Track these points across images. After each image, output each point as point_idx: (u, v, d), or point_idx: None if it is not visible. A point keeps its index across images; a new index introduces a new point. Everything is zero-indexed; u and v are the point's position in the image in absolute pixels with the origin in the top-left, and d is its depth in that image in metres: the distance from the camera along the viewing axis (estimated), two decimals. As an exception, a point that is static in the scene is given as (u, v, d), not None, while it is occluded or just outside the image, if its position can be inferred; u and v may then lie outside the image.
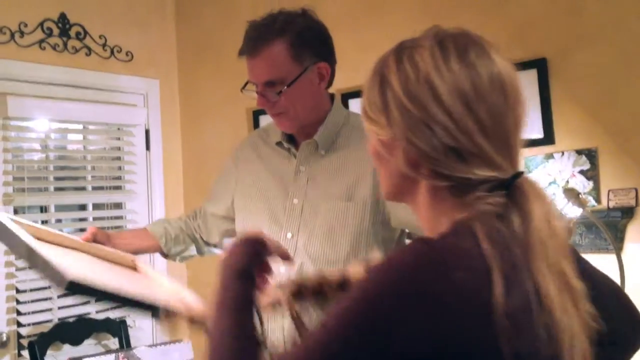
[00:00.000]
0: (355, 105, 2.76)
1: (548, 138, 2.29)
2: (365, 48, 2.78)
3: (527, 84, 2.28)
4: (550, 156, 2.28)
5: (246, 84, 1.57)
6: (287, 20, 1.50)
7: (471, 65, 0.80)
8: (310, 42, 1.53)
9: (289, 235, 1.56)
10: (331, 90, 3.02)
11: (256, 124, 3.13)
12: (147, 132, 3.34)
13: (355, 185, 1.53)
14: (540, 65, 2.28)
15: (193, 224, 1.83)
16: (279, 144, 1.64)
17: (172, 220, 1.85)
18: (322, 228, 1.53)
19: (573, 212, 1.74)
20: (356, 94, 2.78)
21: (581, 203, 1.75)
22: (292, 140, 1.64)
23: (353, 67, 2.80)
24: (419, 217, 0.89)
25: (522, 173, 0.81)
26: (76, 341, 2.87)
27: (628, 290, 1.93)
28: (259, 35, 1.49)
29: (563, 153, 2.26)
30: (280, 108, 1.53)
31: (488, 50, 0.83)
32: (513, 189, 0.80)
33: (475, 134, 0.78)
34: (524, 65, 2.32)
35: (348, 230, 1.51)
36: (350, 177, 1.54)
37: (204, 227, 1.82)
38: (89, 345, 2.94)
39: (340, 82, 2.81)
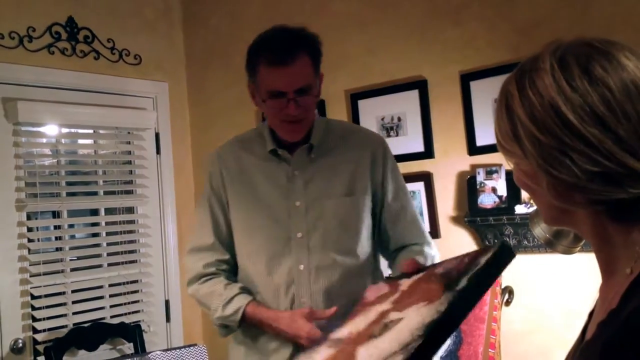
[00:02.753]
0: (363, 106, 2.83)
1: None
2: (373, 49, 2.85)
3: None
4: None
5: (270, 95, 1.69)
6: (305, 35, 1.72)
7: (598, 80, 0.76)
8: (319, 55, 1.76)
9: (299, 235, 1.75)
10: (340, 90, 3.14)
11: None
12: (157, 136, 3.43)
13: (353, 181, 1.77)
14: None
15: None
16: (272, 151, 1.79)
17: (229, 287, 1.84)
18: (333, 222, 1.75)
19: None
20: (365, 94, 2.85)
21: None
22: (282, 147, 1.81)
23: (362, 68, 2.88)
24: (591, 244, 0.86)
25: None
26: (91, 346, 2.95)
27: None
28: (290, 47, 1.67)
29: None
30: (303, 114, 1.71)
31: (617, 56, 0.78)
32: None
33: (618, 154, 0.74)
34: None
35: (358, 221, 1.77)
36: (345, 175, 1.78)
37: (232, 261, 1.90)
38: (104, 351, 3.03)
39: (349, 83, 2.90)
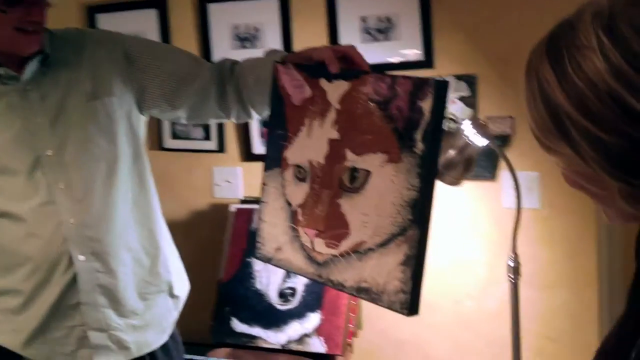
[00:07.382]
0: (214, 11, 2.60)
1: (428, 61, 2.39)
2: None
3: (409, 2, 2.33)
4: (429, 80, 2.39)
5: (6, 3, 1.54)
6: None
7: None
8: None
9: (49, 152, 1.65)
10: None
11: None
12: None
13: (95, 85, 1.69)
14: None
15: None
16: None
17: None
18: (83, 134, 1.67)
19: (479, 142, 1.86)
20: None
21: (487, 134, 1.87)
22: None
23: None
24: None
25: None
26: None
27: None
28: None
29: (442, 78, 2.37)
30: (44, 20, 1.61)
31: None
32: None
33: None
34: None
35: (111, 123, 1.70)
36: (86, 81, 1.68)
37: None
38: None
39: None
